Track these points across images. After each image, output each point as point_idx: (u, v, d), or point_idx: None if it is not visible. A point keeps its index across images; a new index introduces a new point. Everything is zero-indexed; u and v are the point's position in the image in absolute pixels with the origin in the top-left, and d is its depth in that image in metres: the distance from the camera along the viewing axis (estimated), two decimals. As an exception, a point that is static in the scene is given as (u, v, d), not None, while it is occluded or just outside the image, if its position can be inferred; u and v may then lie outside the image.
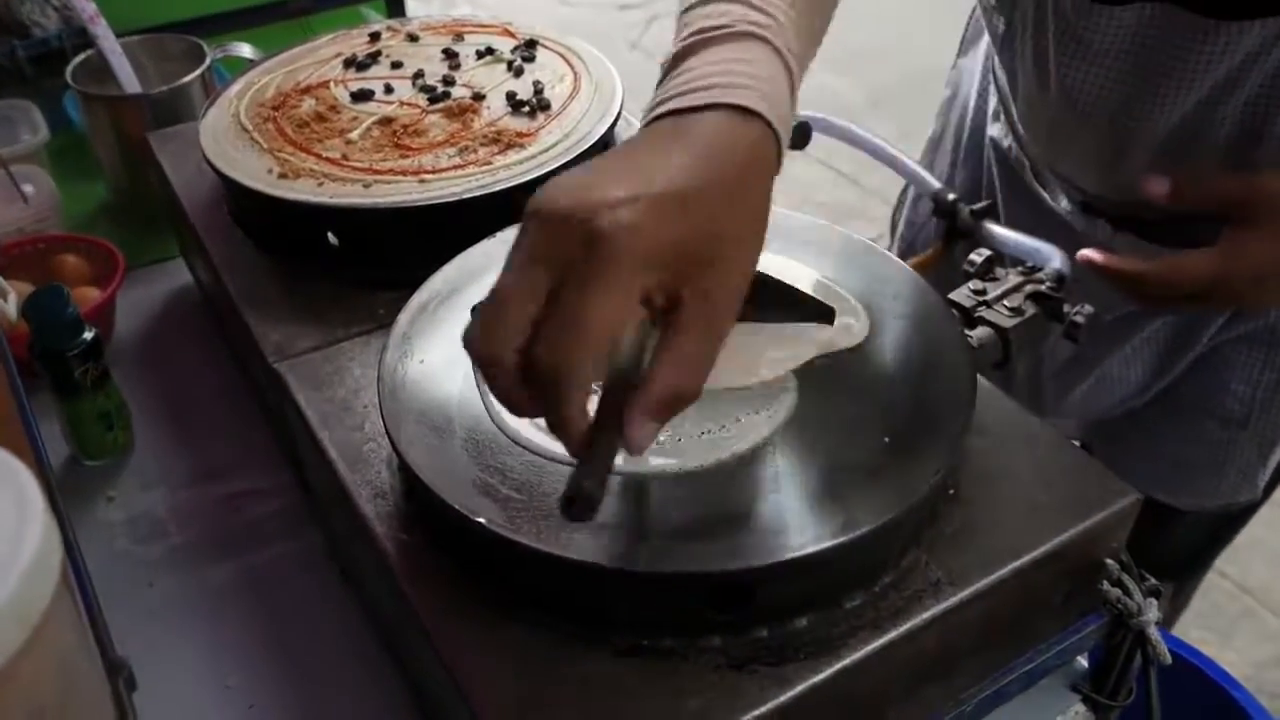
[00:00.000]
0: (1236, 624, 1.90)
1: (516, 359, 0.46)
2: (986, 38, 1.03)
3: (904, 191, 1.25)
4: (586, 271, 0.45)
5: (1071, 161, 0.95)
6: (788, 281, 0.67)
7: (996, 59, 0.98)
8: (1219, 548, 1.19)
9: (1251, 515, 1.10)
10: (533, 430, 0.60)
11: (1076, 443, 0.68)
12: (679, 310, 0.47)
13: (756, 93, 0.52)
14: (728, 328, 0.49)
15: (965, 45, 1.14)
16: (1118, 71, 0.83)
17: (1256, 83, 0.78)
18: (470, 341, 0.48)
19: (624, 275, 0.45)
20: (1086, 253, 0.79)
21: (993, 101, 1.04)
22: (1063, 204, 0.98)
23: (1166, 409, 1.02)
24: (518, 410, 0.48)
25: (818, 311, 0.66)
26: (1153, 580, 0.65)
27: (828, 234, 0.76)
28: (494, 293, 0.47)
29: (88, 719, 0.32)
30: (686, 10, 0.60)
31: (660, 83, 0.56)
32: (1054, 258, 0.86)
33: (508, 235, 0.75)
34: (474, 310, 0.54)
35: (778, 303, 0.64)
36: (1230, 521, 1.11)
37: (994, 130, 1.05)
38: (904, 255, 1.16)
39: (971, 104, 1.09)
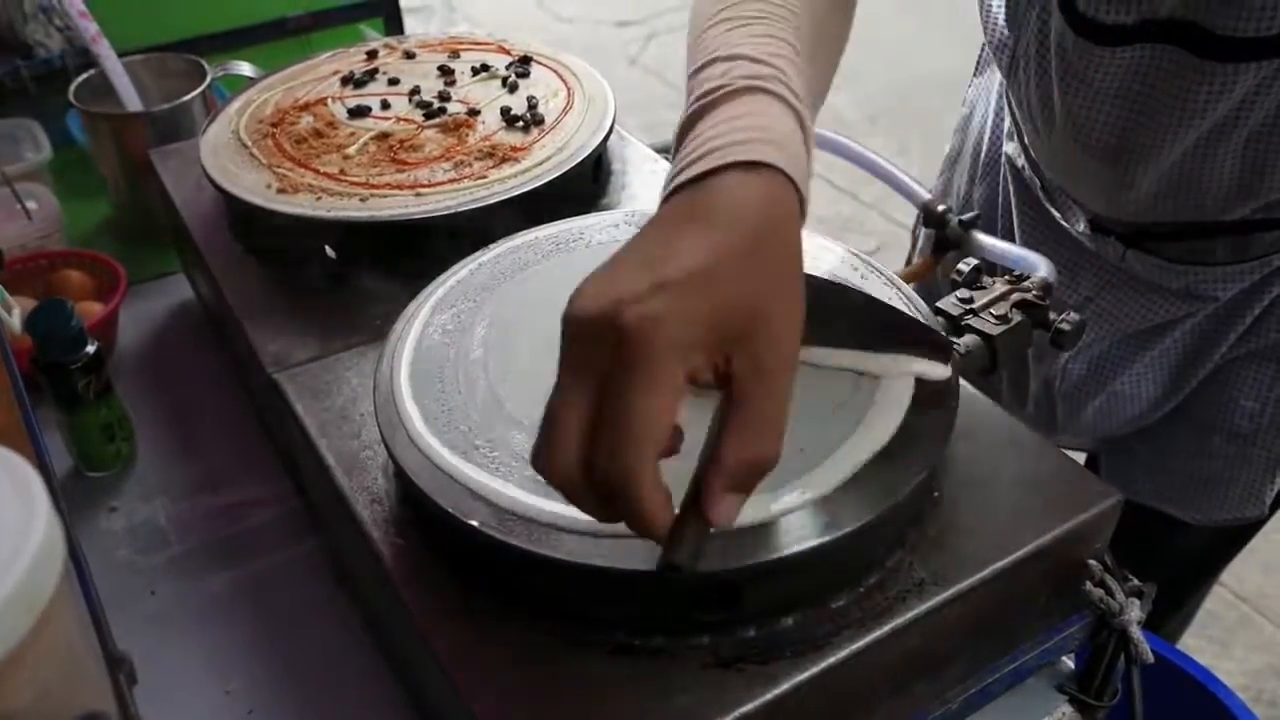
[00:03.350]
0: (1234, 632, 1.91)
1: (583, 473, 0.45)
2: None
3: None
4: (624, 373, 0.44)
5: (1080, 187, 0.96)
6: (910, 313, 0.67)
7: (1007, 86, 0.99)
8: (1223, 562, 1.20)
9: (1257, 531, 1.10)
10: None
11: (1083, 455, 0.68)
12: (733, 382, 0.46)
13: (767, 144, 0.51)
14: (787, 385, 0.47)
15: (981, 65, 1.15)
16: (1120, 108, 0.84)
17: (1258, 119, 0.79)
18: (536, 464, 0.47)
19: (662, 368, 0.44)
20: None
21: (1008, 121, 1.05)
22: (1076, 223, 0.99)
23: (1176, 424, 1.03)
24: (608, 520, 0.47)
25: (933, 343, 0.66)
26: (1135, 581, 0.66)
27: (814, 245, 0.77)
28: (546, 411, 0.46)
29: (89, 705, 0.33)
30: (691, 76, 0.59)
31: (673, 154, 0.55)
32: (1040, 266, 0.88)
33: (502, 248, 0.77)
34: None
35: (889, 333, 0.65)
36: (1235, 536, 1.11)
37: (1009, 148, 1.06)
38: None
39: (989, 122, 1.10)
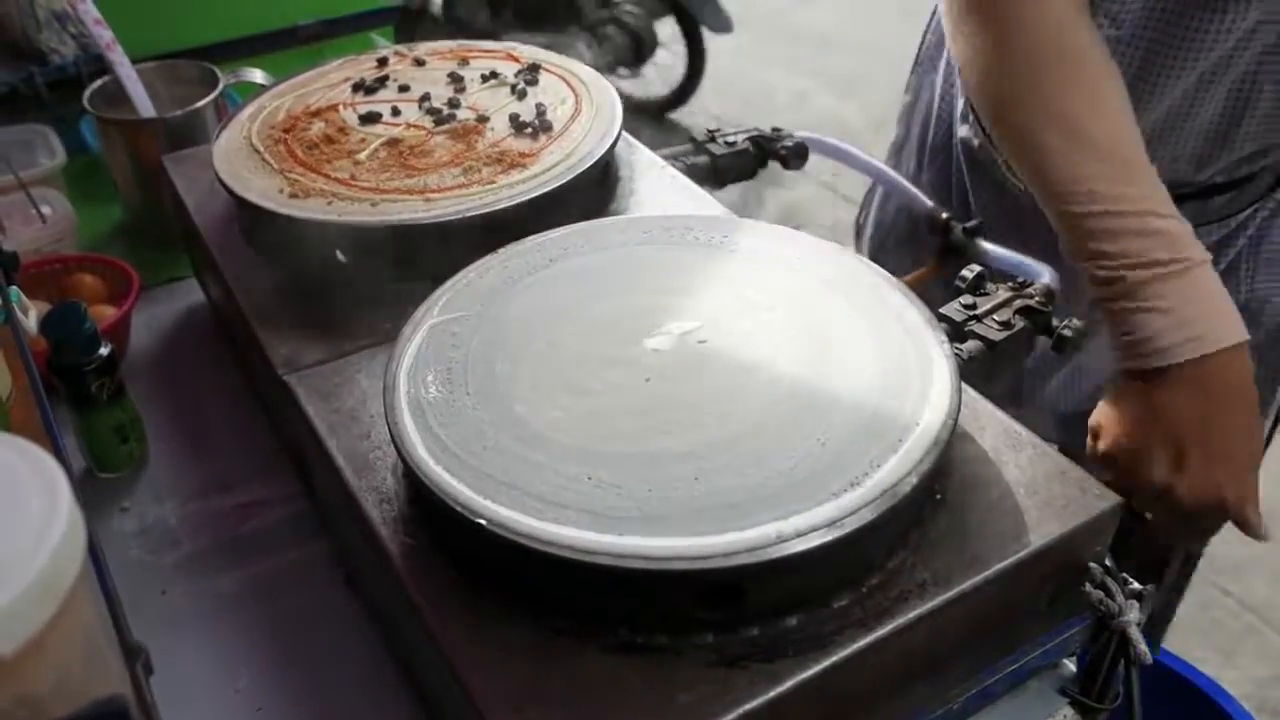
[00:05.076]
0: (1239, 642, 1.91)
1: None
2: (947, 49, 1.07)
3: (869, 193, 1.28)
4: None
5: None
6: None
7: None
8: (1200, 546, 1.20)
9: None
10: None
11: (1054, 446, 0.71)
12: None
13: (1230, 318, 0.72)
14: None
15: (923, 55, 1.18)
16: (1130, 49, 0.86)
17: (1249, 59, 0.82)
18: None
19: None
20: None
21: (959, 104, 1.08)
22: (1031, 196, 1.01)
23: None
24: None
25: None
26: (1135, 584, 0.67)
27: (823, 251, 0.78)
28: None
29: (107, 692, 0.34)
30: (1091, 212, 0.74)
31: (1114, 298, 0.73)
32: (1043, 273, 0.89)
33: (510, 252, 0.78)
34: None
35: None
36: None
37: (962, 131, 1.09)
38: (874, 256, 1.20)
39: (935, 109, 1.13)
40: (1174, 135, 0.89)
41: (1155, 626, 0.70)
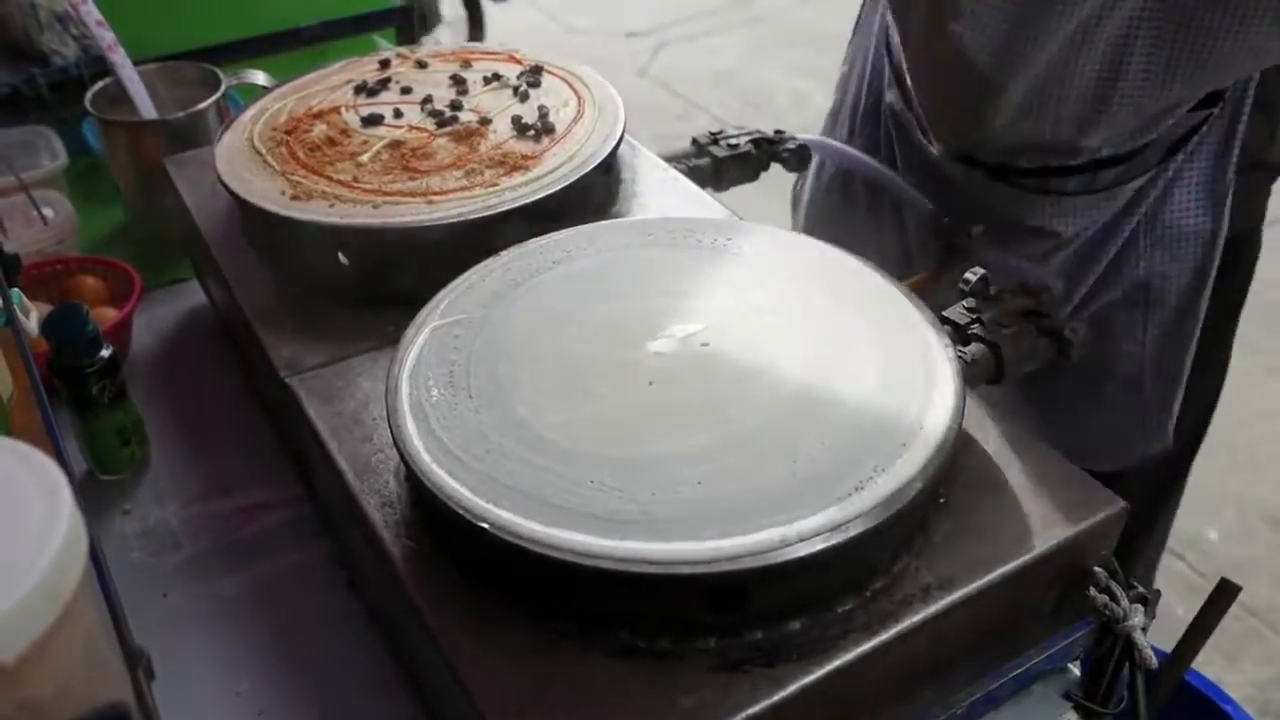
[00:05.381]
0: (1242, 645, 1.91)
1: None
2: (879, 16, 1.16)
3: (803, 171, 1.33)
4: None
5: (952, 112, 1.05)
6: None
7: (891, 22, 1.09)
8: (1165, 508, 1.25)
9: (1188, 467, 1.18)
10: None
11: None
12: None
13: None
14: None
15: (858, 26, 1.24)
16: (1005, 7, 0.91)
17: (1119, 18, 0.86)
18: None
19: None
20: None
21: (888, 72, 1.14)
22: (946, 157, 1.08)
23: (1072, 379, 1.07)
24: None
25: None
26: (1140, 588, 0.66)
27: (826, 254, 0.78)
28: None
29: (109, 697, 0.34)
30: None
31: None
32: (1048, 277, 0.88)
33: (513, 255, 0.78)
34: None
35: None
36: (1167, 477, 1.19)
37: (890, 96, 1.14)
38: (810, 230, 1.25)
39: (868, 76, 1.18)
40: (1056, 93, 0.94)
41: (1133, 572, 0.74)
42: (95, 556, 0.41)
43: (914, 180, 1.09)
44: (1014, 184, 1.04)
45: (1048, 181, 1.02)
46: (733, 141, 1.10)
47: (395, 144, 0.92)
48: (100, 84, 1.18)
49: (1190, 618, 0.69)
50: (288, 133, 0.95)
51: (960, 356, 0.72)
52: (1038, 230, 1.03)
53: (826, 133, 1.26)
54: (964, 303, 0.83)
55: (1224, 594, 0.68)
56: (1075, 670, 0.71)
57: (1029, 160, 1.02)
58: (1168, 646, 0.71)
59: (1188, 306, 1.03)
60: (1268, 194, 1.08)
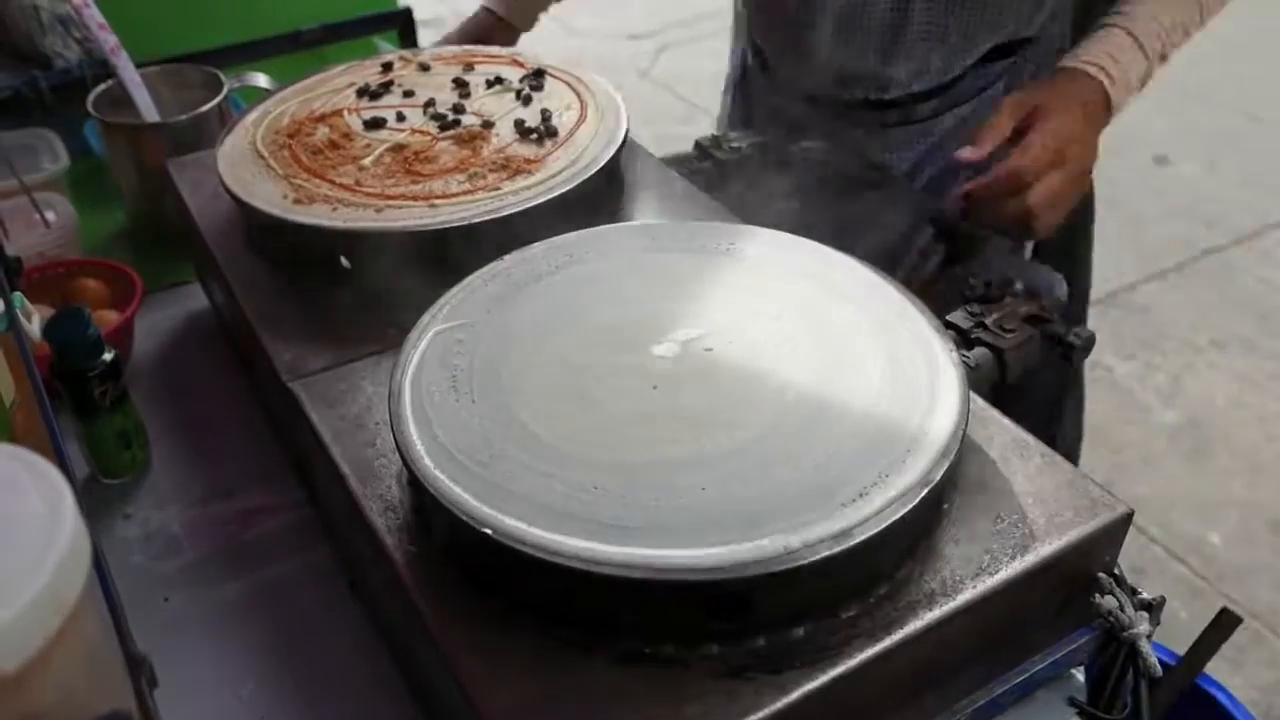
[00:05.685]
0: (1245, 649, 1.90)
1: None
2: None
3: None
4: None
5: (786, 47, 1.20)
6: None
7: None
8: (1069, 397, 1.31)
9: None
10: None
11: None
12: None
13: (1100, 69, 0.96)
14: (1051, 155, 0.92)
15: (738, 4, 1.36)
16: None
17: None
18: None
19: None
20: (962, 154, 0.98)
21: (746, 33, 1.27)
22: (799, 106, 1.20)
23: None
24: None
25: None
26: (1145, 594, 0.66)
27: (830, 258, 0.78)
28: None
29: (112, 706, 0.34)
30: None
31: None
32: (1052, 282, 0.88)
33: (516, 259, 0.78)
34: None
35: None
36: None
37: (752, 62, 1.29)
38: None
39: (740, 46, 1.32)
40: (859, 21, 1.08)
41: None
42: (98, 564, 0.41)
43: (777, 133, 1.17)
44: (848, 118, 1.16)
45: (874, 114, 1.15)
46: (735, 144, 1.10)
47: (398, 147, 0.92)
48: (102, 86, 1.18)
49: (1193, 621, 0.69)
50: (290, 136, 0.95)
51: (964, 361, 0.72)
52: (877, 168, 1.10)
53: (723, 102, 1.38)
54: (967, 307, 0.83)
55: (1223, 625, 0.68)
56: (1079, 676, 0.71)
57: (853, 92, 1.15)
58: (1170, 649, 0.71)
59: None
60: None
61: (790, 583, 0.55)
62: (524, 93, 0.99)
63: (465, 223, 0.82)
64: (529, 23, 1.36)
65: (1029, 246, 1.15)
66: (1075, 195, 0.97)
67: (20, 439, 0.58)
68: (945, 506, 0.64)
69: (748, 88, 1.32)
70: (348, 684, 0.71)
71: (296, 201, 0.86)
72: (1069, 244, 1.21)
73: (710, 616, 0.56)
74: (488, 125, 0.94)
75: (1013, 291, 0.86)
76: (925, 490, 0.58)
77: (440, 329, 0.72)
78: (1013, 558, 0.61)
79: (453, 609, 0.59)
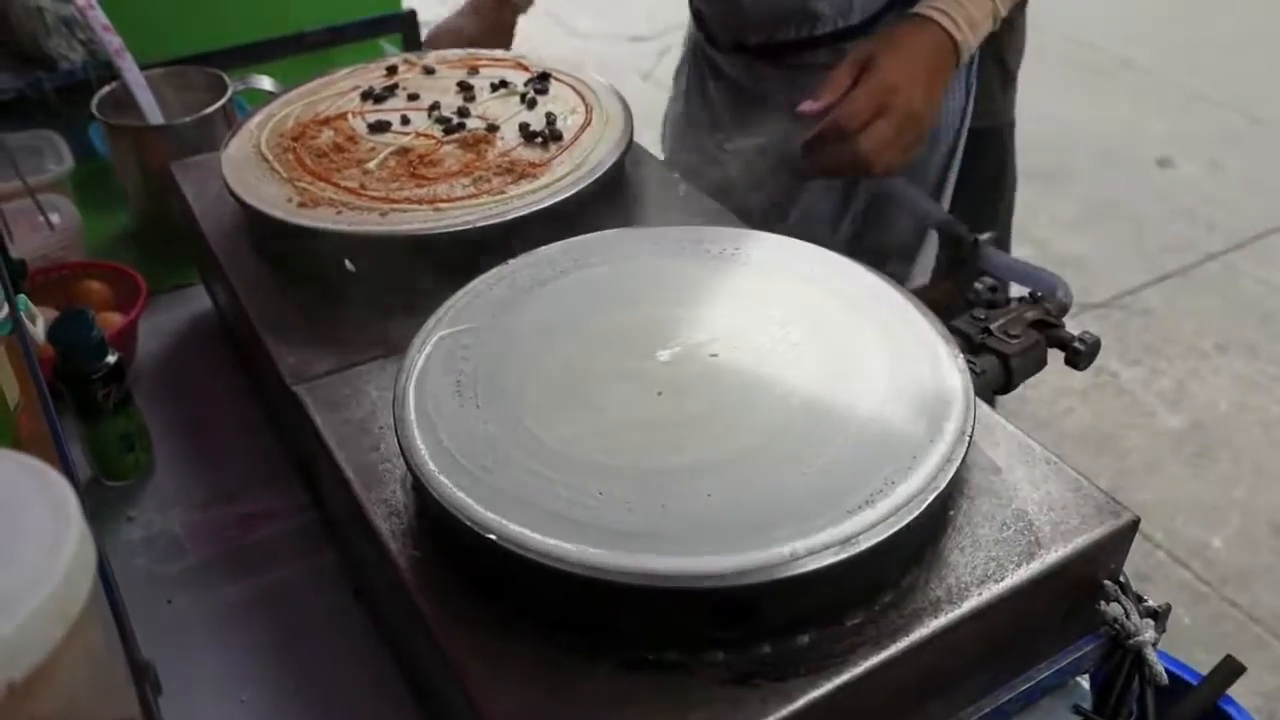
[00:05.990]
0: (1246, 654, 1.88)
1: None
2: None
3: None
4: None
5: (721, 6, 1.24)
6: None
7: None
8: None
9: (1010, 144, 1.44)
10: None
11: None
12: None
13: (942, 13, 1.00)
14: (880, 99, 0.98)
15: None
16: None
17: None
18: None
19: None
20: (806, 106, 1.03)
21: (689, 9, 1.33)
22: (729, 61, 1.28)
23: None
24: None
25: None
26: (1150, 602, 0.66)
27: (835, 264, 0.78)
28: None
29: (116, 713, 0.34)
30: None
31: None
32: (1056, 286, 0.88)
33: (520, 263, 0.78)
34: None
35: None
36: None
37: (696, 32, 1.34)
38: (670, 150, 1.43)
39: (690, 23, 1.38)
40: None
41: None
42: (103, 571, 0.41)
43: (724, 95, 1.27)
44: (778, 64, 1.21)
45: (802, 55, 1.19)
46: (738, 147, 1.10)
47: (402, 151, 0.91)
48: (107, 88, 1.18)
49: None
50: (295, 139, 0.95)
51: (970, 367, 0.72)
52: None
53: (676, 81, 1.43)
54: (973, 312, 0.83)
55: (1225, 673, 0.68)
56: (1084, 684, 0.71)
57: (782, 33, 1.19)
58: (1173, 655, 0.71)
59: (939, 183, 1.25)
60: (1010, 93, 1.36)
61: (796, 590, 0.55)
62: (529, 96, 0.99)
63: (470, 227, 0.82)
64: (527, 1, 1.36)
65: (947, 196, 1.27)
66: (912, 136, 1.01)
67: (24, 441, 0.58)
68: (951, 513, 0.64)
69: (696, 61, 1.36)
70: (350, 688, 0.71)
71: (301, 205, 0.86)
72: (973, 194, 1.32)
73: (716, 624, 0.56)
74: (492, 129, 0.94)
75: (1017, 296, 0.86)
76: (932, 497, 0.58)
77: (445, 333, 0.72)
78: (1018, 565, 0.61)
79: (456, 614, 0.59)
